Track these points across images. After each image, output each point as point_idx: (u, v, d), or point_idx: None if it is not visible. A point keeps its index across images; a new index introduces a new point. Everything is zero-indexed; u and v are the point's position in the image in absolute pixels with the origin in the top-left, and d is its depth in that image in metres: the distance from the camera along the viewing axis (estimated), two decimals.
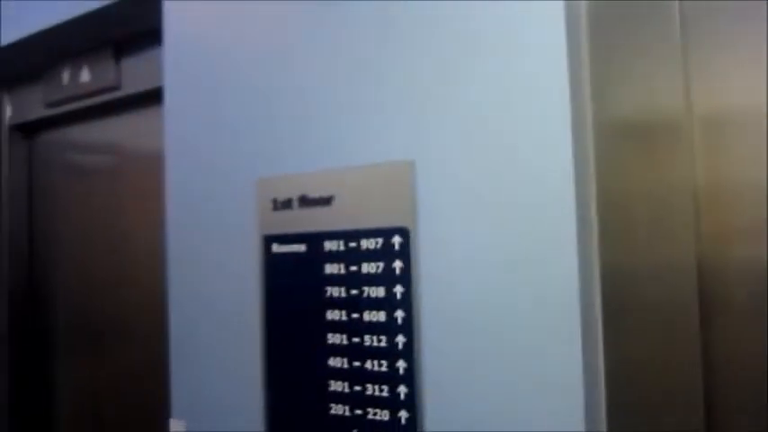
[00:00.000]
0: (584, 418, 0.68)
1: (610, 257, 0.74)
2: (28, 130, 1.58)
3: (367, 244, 0.81)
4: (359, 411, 0.82)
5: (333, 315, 0.84)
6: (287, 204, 0.88)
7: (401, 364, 0.79)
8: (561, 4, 0.70)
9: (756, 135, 0.71)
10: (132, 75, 1.28)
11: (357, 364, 0.82)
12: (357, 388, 0.82)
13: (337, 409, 0.83)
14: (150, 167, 1.23)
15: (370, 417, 0.81)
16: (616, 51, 0.74)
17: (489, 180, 0.73)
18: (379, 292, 0.80)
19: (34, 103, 1.49)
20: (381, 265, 0.80)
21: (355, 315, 0.82)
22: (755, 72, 0.71)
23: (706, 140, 0.73)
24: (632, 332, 0.73)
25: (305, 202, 0.86)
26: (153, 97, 1.17)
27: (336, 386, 0.84)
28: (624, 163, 0.74)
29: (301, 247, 0.87)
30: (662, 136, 0.73)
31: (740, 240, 0.72)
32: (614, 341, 0.74)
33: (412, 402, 0.77)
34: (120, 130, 1.38)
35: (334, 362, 0.84)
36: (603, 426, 0.72)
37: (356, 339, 0.82)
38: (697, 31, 0.74)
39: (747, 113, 0.72)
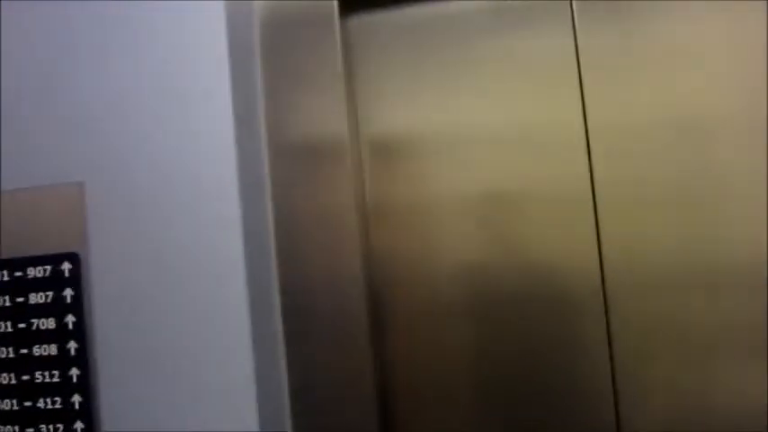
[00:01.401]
0: (258, 420, 0.69)
1: (287, 273, 0.77)
2: None
3: (34, 272, 0.75)
4: None
5: None
6: None
7: (77, 399, 0.74)
8: (224, 23, 0.71)
9: (421, 153, 0.79)
10: None
11: (28, 403, 0.75)
12: (30, 430, 0.75)
13: None
14: None
15: None
16: (285, 71, 0.78)
17: (157, 200, 0.72)
18: (49, 323, 0.74)
19: None
20: (51, 294, 0.74)
21: (24, 350, 0.75)
22: (420, 91, 0.79)
23: (373, 160, 0.79)
24: (311, 342, 0.77)
25: None
26: None
27: (6, 430, 0.76)
28: (299, 185, 0.77)
29: None
30: (332, 159, 0.78)
31: (404, 253, 0.79)
32: (296, 351, 0.76)
33: None
34: None
35: (3, 404, 0.76)
36: (288, 427, 0.75)
37: (26, 377, 0.75)
38: (361, 58, 0.80)
39: (411, 136, 0.79)
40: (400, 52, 0.79)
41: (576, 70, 0.73)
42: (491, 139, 0.77)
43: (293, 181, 0.77)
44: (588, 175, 0.72)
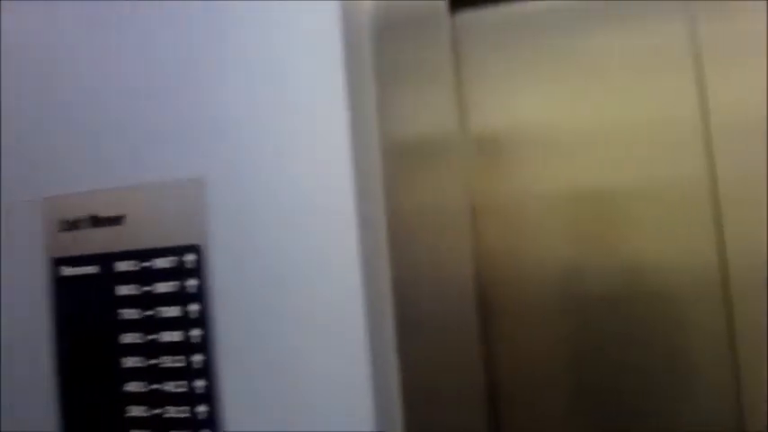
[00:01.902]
0: (374, 418, 0.71)
1: (400, 272, 0.78)
2: None
3: (160, 263, 0.79)
4: None
5: (128, 338, 0.81)
6: (76, 224, 0.84)
7: (200, 383, 0.78)
8: (338, 32, 0.73)
9: (530, 151, 0.78)
10: None
11: (156, 386, 0.80)
12: (157, 411, 0.80)
13: None
14: None
15: None
16: (397, 70, 0.79)
17: (275, 196, 0.74)
18: (174, 311, 0.79)
19: None
20: (176, 284, 0.78)
21: (151, 336, 0.80)
22: (529, 87, 0.78)
23: (482, 157, 0.79)
24: (422, 340, 0.78)
25: (95, 221, 0.82)
26: None
27: (135, 411, 0.81)
28: (409, 182, 0.78)
29: (93, 269, 0.83)
30: (439, 154, 0.78)
31: (512, 251, 0.79)
32: (407, 348, 0.78)
33: (212, 421, 0.77)
34: None
35: (132, 386, 0.81)
36: (399, 426, 0.77)
37: (153, 361, 0.80)
38: (470, 46, 0.79)
39: (521, 129, 0.79)
40: (509, 49, 0.78)
41: (696, 63, 0.70)
42: (603, 136, 0.75)
43: (404, 179, 0.78)
44: (709, 172, 0.70)
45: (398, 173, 0.78)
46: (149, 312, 0.80)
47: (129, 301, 0.81)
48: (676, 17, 0.72)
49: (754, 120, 0.69)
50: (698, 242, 0.71)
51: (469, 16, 0.79)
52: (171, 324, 0.79)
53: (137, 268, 0.80)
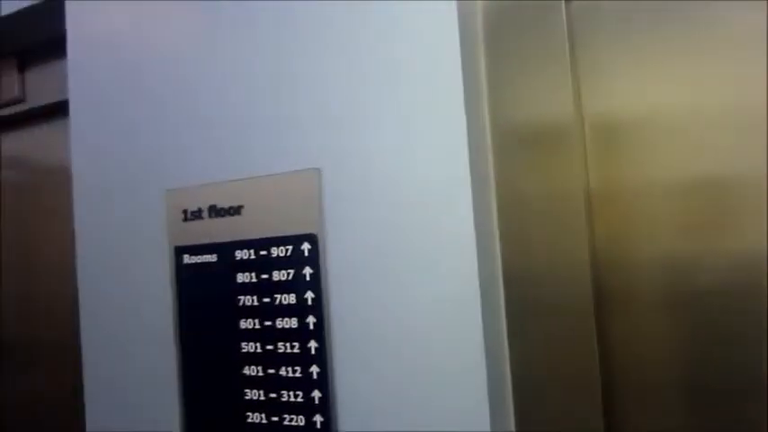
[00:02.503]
0: (489, 417, 0.70)
1: (511, 260, 0.77)
2: None
3: (277, 251, 0.82)
4: (275, 418, 0.82)
5: (246, 324, 0.84)
6: (197, 215, 0.88)
7: (314, 369, 0.80)
8: (455, 11, 0.73)
9: (645, 136, 0.76)
10: (37, 87, 1.25)
11: (272, 371, 0.82)
12: (272, 395, 0.82)
13: (254, 418, 0.84)
14: (58, 182, 1.20)
15: (286, 423, 0.81)
16: (509, 57, 0.78)
17: (390, 186, 0.75)
18: (290, 298, 0.81)
19: None
20: (292, 272, 0.81)
21: (268, 323, 0.83)
22: (643, 73, 0.76)
23: (596, 143, 0.78)
24: (534, 331, 0.77)
25: (215, 212, 0.86)
26: (59, 110, 1.14)
27: (252, 394, 0.84)
28: (521, 167, 0.78)
29: (213, 257, 0.87)
30: (554, 139, 0.77)
31: (630, 240, 0.77)
32: (518, 340, 0.77)
33: (326, 406, 0.79)
34: (27, 144, 1.33)
35: (249, 370, 0.84)
36: (512, 424, 0.76)
37: (270, 347, 0.82)
38: (584, 33, 0.78)
39: (635, 115, 0.76)
40: (624, 35, 0.76)
41: None
42: (721, 122, 0.72)
43: (519, 165, 0.77)
44: None
45: (513, 159, 0.77)
46: (266, 299, 0.83)
47: (248, 289, 0.84)
48: None
49: None
50: None
51: (585, 3, 0.77)
52: (287, 311, 0.81)
53: (255, 256, 0.83)
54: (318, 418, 0.79)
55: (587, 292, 0.75)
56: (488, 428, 0.70)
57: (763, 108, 0.70)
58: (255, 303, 0.83)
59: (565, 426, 0.75)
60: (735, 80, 0.72)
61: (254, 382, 0.84)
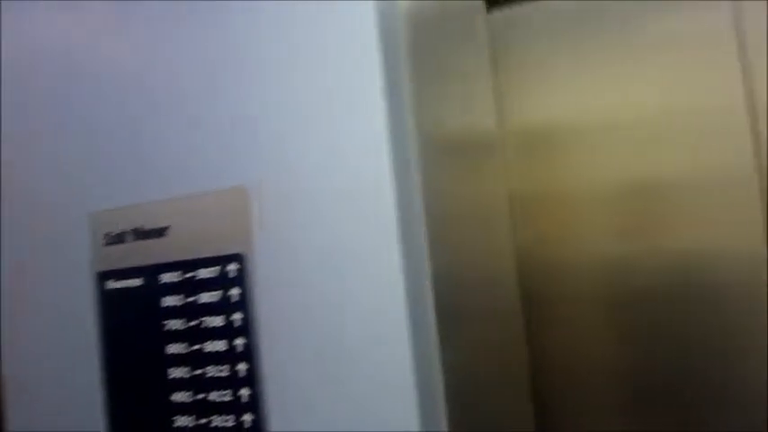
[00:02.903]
0: (419, 418, 0.70)
1: (440, 268, 0.78)
2: None
3: (204, 273, 0.80)
4: None
5: (173, 348, 0.82)
6: (120, 238, 0.85)
7: (245, 392, 0.78)
8: (375, 22, 0.73)
9: (565, 144, 0.78)
10: None
11: (201, 396, 0.80)
12: (203, 421, 0.80)
13: None
14: None
15: None
16: (432, 67, 0.79)
17: (316, 202, 0.75)
18: (218, 321, 0.79)
19: None
20: (219, 293, 0.79)
21: (196, 347, 0.80)
22: (563, 84, 0.78)
23: (519, 150, 0.79)
24: (465, 336, 0.77)
25: (139, 234, 0.84)
26: None
27: (182, 421, 0.81)
28: (447, 175, 0.79)
29: (137, 281, 0.84)
30: (477, 147, 0.78)
31: (554, 243, 0.79)
32: (449, 345, 0.77)
33: (258, 428, 0.77)
34: None
35: (178, 396, 0.81)
36: (444, 425, 0.76)
37: (198, 371, 0.80)
38: (506, 45, 0.80)
39: (556, 124, 0.79)
40: (545, 43, 0.79)
41: (740, 50, 0.69)
42: (644, 127, 0.74)
43: (443, 175, 0.78)
44: (756, 161, 0.69)
45: (439, 167, 0.78)
46: (194, 322, 0.80)
47: (174, 312, 0.82)
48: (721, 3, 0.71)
49: None
50: (745, 234, 0.70)
51: (506, 11, 0.79)
52: (215, 333, 0.79)
53: (181, 279, 0.81)
54: None
55: (513, 297, 0.76)
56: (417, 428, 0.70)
57: (678, 115, 0.73)
58: (182, 327, 0.81)
59: (496, 430, 0.76)
60: (652, 90, 0.75)
61: (183, 409, 0.81)
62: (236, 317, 0.78)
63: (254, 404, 0.77)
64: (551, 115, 0.78)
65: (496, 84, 0.78)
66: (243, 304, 0.78)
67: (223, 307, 0.79)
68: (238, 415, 0.78)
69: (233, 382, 0.78)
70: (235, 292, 0.78)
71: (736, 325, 0.69)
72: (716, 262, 0.70)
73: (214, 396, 0.79)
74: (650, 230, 0.74)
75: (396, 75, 0.77)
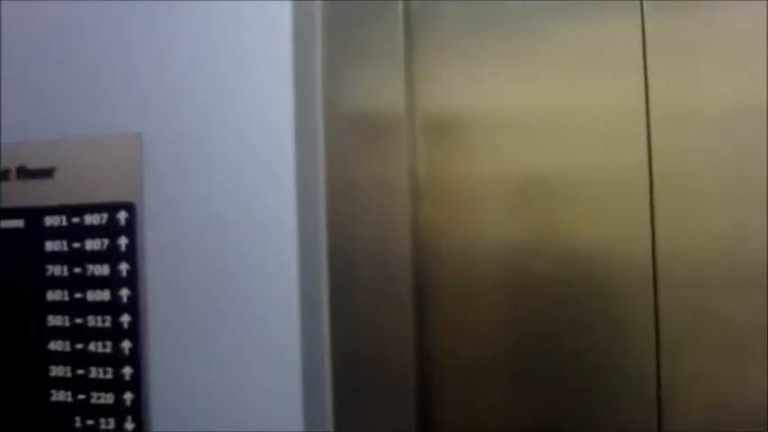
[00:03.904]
0: (301, 387, 0.70)
1: (336, 241, 0.78)
2: None
3: (91, 219, 0.77)
4: (82, 396, 0.77)
5: (54, 295, 0.78)
6: (4, 176, 0.80)
7: (126, 344, 0.76)
8: (287, 7, 0.71)
9: (474, 132, 0.78)
10: None
11: (80, 346, 0.77)
12: (80, 371, 0.77)
13: (59, 396, 0.78)
14: None
15: (93, 401, 0.77)
16: (346, 46, 0.78)
17: (214, 160, 0.73)
18: (103, 270, 0.76)
19: None
20: (106, 241, 0.76)
21: (78, 295, 0.77)
22: (476, 72, 0.78)
23: (427, 136, 0.79)
24: (355, 314, 0.77)
25: (24, 173, 0.79)
26: None
27: (58, 371, 0.78)
28: (352, 153, 0.78)
29: (19, 223, 0.80)
30: (385, 129, 0.77)
31: (452, 230, 0.79)
32: (339, 321, 0.77)
33: (138, 384, 0.75)
34: None
35: (56, 345, 0.78)
36: (329, 424, 0.76)
37: (79, 320, 0.77)
38: (421, 32, 0.79)
39: (467, 111, 0.79)
40: (461, 30, 0.78)
41: (642, 56, 0.71)
42: (546, 122, 0.76)
43: (348, 152, 0.77)
44: (647, 164, 0.71)
45: (344, 145, 0.77)
46: (77, 270, 0.77)
47: (58, 258, 0.78)
48: (628, 9, 0.73)
49: (692, 115, 0.71)
50: (631, 232, 0.72)
51: (424, 3, 0.78)
52: (99, 282, 0.76)
53: (66, 224, 0.78)
54: (128, 396, 0.76)
55: (406, 278, 0.76)
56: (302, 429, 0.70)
57: (579, 114, 0.74)
58: (65, 274, 0.78)
59: (380, 422, 0.76)
60: (557, 86, 0.75)
61: (60, 358, 0.78)
62: (123, 266, 0.76)
63: (135, 357, 0.75)
64: (461, 102, 0.78)
65: (410, 67, 0.77)
66: (130, 254, 0.75)
67: (109, 256, 0.76)
68: (119, 367, 0.76)
69: (115, 333, 0.76)
70: (122, 241, 0.76)
71: (622, 316, 0.72)
72: (605, 256, 0.72)
73: (93, 347, 0.77)
74: (546, 222, 0.75)
75: (307, 48, 0.75)
